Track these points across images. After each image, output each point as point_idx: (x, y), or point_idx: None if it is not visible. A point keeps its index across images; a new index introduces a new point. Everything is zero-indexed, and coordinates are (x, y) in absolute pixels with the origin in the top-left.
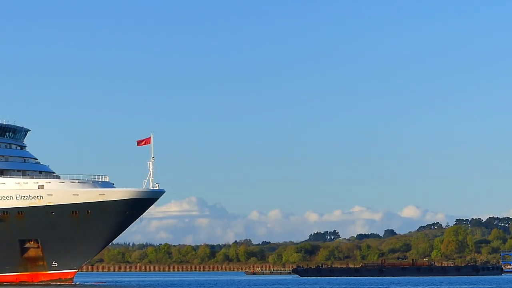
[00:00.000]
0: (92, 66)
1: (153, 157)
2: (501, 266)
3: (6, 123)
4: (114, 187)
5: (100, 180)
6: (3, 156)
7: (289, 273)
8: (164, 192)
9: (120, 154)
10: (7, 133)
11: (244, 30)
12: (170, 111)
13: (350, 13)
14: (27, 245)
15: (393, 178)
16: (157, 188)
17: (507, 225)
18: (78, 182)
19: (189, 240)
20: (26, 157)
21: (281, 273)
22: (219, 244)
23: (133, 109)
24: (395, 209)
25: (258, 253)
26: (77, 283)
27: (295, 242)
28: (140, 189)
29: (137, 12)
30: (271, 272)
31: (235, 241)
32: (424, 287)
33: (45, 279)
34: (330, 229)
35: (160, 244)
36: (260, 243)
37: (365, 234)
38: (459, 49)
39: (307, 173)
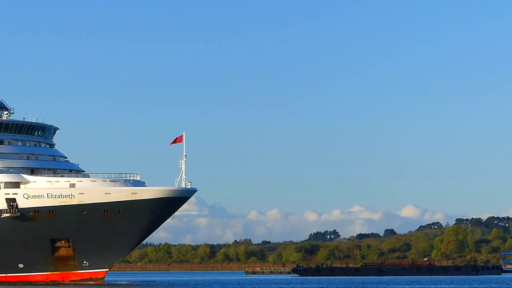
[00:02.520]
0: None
1: (186, 156)
2: (501, 265)
3: (35, 121)
4: (146, 186)
5: (132, 178)
6: (33, 154)
7: (289, 272)
8: (196, 190)
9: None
10: (36, 132)
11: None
12: (169, 112)
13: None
14: (58, 244)
15: (392, 178)
16: (189, 186)
17: (507, 225)
18: (110, 181)
19: (188, 240)
20: (55, 156)
21: (281, 272)
22: (219, 244)
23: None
24: (394, 209)
25: (258, 253)
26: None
27: (295, 241)
28: (172, 188)
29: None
30: (271, 272)
31: (235, 240)
32: (424, 287)
33: (75, 279)
34: (329, 229)
35: (160, 243)
36: (260, 242)
37: (365, 233)
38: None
39: (306, 172)
